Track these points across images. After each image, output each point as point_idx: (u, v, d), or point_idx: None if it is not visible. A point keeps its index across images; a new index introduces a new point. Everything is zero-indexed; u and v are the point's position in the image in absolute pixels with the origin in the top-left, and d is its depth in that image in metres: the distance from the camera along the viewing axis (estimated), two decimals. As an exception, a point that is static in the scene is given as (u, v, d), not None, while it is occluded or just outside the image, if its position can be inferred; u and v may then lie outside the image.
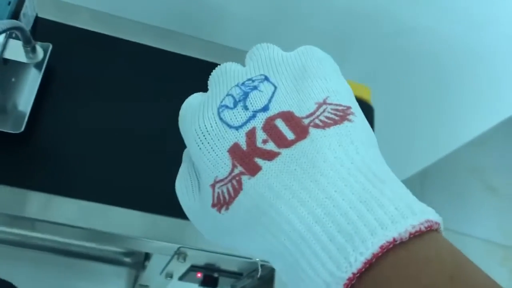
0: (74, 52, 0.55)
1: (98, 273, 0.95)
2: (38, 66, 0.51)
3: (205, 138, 0.26)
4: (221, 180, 0.25)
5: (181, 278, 0.66)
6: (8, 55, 0.36)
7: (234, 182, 0.25)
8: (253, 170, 0.24)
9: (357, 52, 0.80)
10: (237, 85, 0.27)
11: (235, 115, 0.26)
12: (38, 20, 0.51)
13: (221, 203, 0.25)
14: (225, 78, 0.28)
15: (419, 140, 1.11)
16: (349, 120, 0.25)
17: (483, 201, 1.50)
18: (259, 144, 0.24)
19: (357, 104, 0.27)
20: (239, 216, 0.25)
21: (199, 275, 0.61)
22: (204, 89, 0.30)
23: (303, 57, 0.28)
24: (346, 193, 0.22)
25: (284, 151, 0.24)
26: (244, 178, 0.24)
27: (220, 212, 0.25)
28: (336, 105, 0.25)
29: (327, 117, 0.25)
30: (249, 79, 0.27)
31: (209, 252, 0.54)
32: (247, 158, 0.24)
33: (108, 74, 0.58)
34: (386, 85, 0.82)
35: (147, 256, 0.97)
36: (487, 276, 0.20)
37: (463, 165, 1.43)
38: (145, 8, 0.70)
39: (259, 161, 0.24)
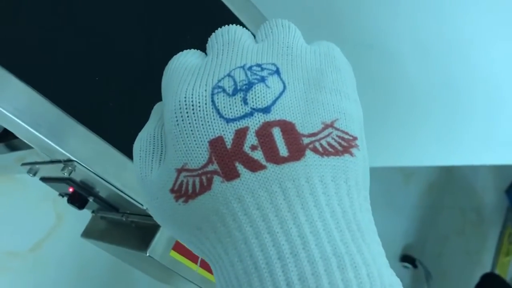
0: None
1: None
2: None
3: (188, 116, 0.21)
4: (190, 170, 0.21)
5: (45, 180, 0.57)
6: None
7: (204, 178, 0.21)
8: (230, 175, 0.21)
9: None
10: (242, 67, 0.22)
11: (230, 105, 0.21)
12: None
13: (181, 194, 0.21)
14: (231, 49, 0.24)
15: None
16: (351, 154, 0.22)
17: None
18: (246, 148, 0.21)
19: (363, 134, 0.24)
20: (195, 215, 0.21)
21: (71, 189, 0.53)
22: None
23: (323, 59, 0.24)
24: (322, 238, 0.19)
25: (270, 167, 0.20)
26: (217, 179, 0.21)
27: (176, 201, 0.22)
28: (343, 132, 0.22)
29: (329, 144, 0.21)
30: (258, 65, 0.23)
31: (101, 179, 0.46)
32: (227, 159, 0.21)
33: None
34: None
35: None
36: None
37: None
38: None
39: (239, 167, 0.20)
